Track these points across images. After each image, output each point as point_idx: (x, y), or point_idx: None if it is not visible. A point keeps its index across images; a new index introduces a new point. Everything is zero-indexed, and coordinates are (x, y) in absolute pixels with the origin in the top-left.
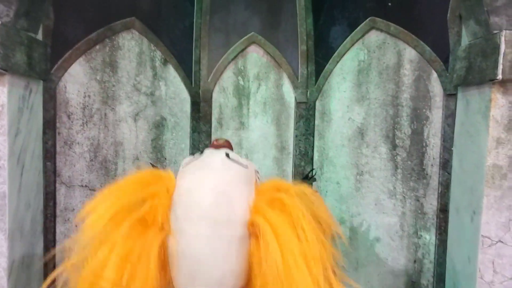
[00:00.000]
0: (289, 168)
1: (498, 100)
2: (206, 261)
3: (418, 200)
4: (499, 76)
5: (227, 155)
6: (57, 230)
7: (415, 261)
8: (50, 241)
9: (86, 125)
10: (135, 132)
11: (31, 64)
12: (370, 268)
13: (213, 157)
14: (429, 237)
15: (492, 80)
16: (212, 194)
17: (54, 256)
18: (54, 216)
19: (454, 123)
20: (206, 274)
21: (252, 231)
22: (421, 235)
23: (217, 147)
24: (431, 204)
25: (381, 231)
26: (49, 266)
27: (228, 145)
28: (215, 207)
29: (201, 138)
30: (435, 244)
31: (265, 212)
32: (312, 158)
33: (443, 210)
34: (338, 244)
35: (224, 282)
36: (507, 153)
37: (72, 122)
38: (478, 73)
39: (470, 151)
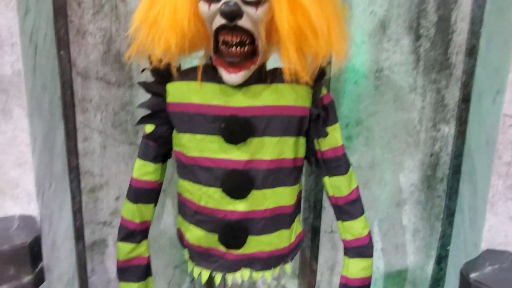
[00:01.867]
0: None
1: None
2: None
3: (439, 93)
4: None
5: None
6: (77, 120)
7: (431, 155)
8: (71, 129)
9: (98, 14)
10: None
11: None
12: (385, 165)
13: None
14: (448, 130)
15: None
16: None
17: (76, 143)
18: (73, 105)
19: (485, 3)
20: None
21: None
22: (440, 128)
23: None
24: (453, 95)
25: (398, 128)
26: (71, 152)
27: None
28: None
29: None
30: (454, 136)
31: None
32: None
33: (465, 100)
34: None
35: None
36: None
37: (83, 10)
38: None
39: (499, 28)
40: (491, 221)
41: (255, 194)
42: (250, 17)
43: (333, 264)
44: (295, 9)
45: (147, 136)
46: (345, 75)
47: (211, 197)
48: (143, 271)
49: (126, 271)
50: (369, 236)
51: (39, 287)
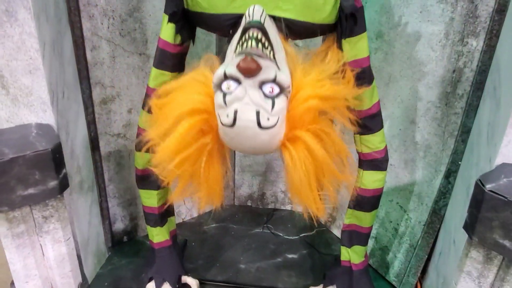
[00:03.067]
0: None
1: None
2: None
3: (472, 2)
4: None
5: (259, 123)
6: (84, 27)
7: (454, 71)
8: (78, 37)
9: None
10: None
11: None
12: (402, 82)
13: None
14: (476, 44)
15: None
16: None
17: (84, 52)
18: (78, 10)
19: None
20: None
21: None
22: (467, 42)
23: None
24: (487, 5)
25: (422, 41)
26: (81, 62)
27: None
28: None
29: None
30: (482, 51)
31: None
32: None
33: (500, 11)
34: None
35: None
36: None
37: None
38: None
39: None
40: (510, 137)
41: None
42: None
43: None
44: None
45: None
46: None
47: None
48: None
49: (145, 179)
50: (385, 150)
51: (63, 192)
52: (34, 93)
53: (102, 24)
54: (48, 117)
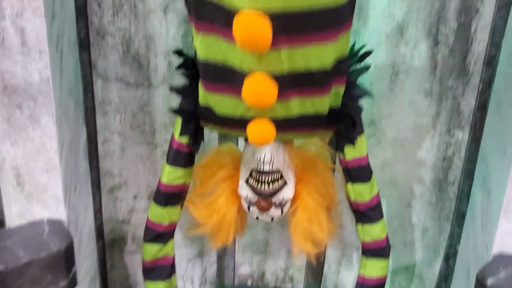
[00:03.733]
0: None
1: None
2: None
3: (455, 99)
4: None
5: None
6: (98, 122)
7: (444, 159)
8: (92, 132)
9: (117, 15)
10: (165, 26)
11: None
12: (397, 167)
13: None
14: (462, 135)
15: None
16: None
17: (96, 146)
18: (94, 108)
19: (508, 15)
20: None
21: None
22: (454, 134)
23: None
24: (469, 102)
25: (412, 132)
26: (93, 155)
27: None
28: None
29: None
30: (468, 142)
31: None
32: None
33: (481, 108)
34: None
35: None
36: None
37: (103, 11)
38: None
39: None
40: (504, 226)
41: None
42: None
43: (340, 256)
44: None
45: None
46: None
47: None
48: (169, 269)
49: (152, 270)
50: (387, 238)
51: None
52: (49, 190)
53: (114, 119)
54: (60, 213)
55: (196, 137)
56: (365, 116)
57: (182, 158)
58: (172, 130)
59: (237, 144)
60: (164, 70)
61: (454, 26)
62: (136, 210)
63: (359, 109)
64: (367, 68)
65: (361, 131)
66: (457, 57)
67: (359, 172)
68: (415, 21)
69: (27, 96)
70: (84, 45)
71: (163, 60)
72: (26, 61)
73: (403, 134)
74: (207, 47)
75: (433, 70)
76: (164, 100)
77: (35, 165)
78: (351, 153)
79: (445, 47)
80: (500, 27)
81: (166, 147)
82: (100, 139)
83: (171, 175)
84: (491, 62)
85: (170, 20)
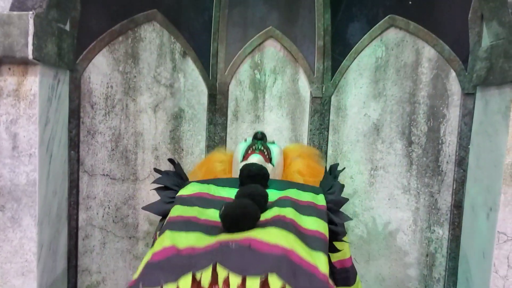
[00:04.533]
0: None
1: None
2: None
3: (432, 196)
4: None
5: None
6: (80, 218)
7: (427, 255)
8: (73, 228)
9: (108, 115)
10: (155, 123)
11: (60, 54)
12: (382, 261)
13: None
14: (442, 232)
15: None
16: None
17: (76, 242)
18: (77, 203)
19: (472, 122)
20: None
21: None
22: (434, 230)
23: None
24: (445, 200)
25: (394, 226)
26: (72, 252)
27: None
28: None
29: (217, 130)
30: (448, 239)
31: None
32: (326, 153)
33: (457, 206)
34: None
35: None
36: None
37: (95, 112)
38: (499, 74)
39: (487, 150)
40: None
41: None
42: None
43: None
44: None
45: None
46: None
47: None
48: None
49: None
50: None
51: None
52: None
53: (97, 214)
54: None
55: None
56: (347, 208)
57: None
58: (156, 222)
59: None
60: (151, 164)
61: (425, 128)
62: None
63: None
64: (346, 199)
65: (343, 234)
66: (430, 157)
67: (344, 275)
68: (389, 122)
69: (11, 198)
70: (74, 144)
71: (150, 155)
72: (15, 164)
73: (385, 228)
74: None
75: (409, 167)
76: (150, 193)
77: (11, 268)
78: (335, 255)
79: (419, 147)
80: (466, 132)
81: (148, 240)
82: (81, 235)
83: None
84: (461, 163)
85: (159, 118)
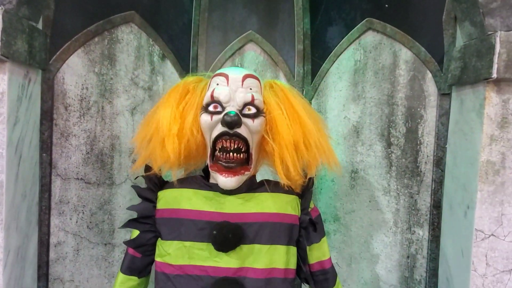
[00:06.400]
0: None
1: (492, 98)
2: None
3: (411, 197)
4: (494, 75)
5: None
6: (52, 223)
7: (408, 257)
8: (44, 234)
9: (83, 117)
10: (132, 126)
11: (31, 52)
12: (363, 264)
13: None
14: (422, 233)
15: (487, 79)
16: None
17: (48, 249)
18: (49, 208)
19: (448, 122)
20: None
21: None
22: (415, 231)
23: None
24: (425, 200)
25: (375, 228)
26: (43, 259)
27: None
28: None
29: None
30: (428, 240)
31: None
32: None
33: (436, 207)
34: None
35: None
36: (500, 150)
37: (69, 113)
38: (473, 72)
39: (463, 148)
40: None
41: None
42: (248, 127)
43: None
44: (296, 124)
45: (129, 242)
46: (322, 172)
47: None
48: None
49: None
50: None
51: None
52: None
53: (71, 219)
54: None
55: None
56: (328, 211)
57: (136, 265)
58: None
59: None
60: (128, 168)
61: (403, 130)
62: None
63: (318, 217)
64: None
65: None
66: (409, 158)
67: (323, 277)
68: (368, 124)
69: None
70: (46, 146)
71: (127, 159)
72: None
73: (366, 231)
74: None
75: (389, 169)
76: (126, 198)
77: None
78: (314, 256)
79: (398, 148)
80: (442, 132)
81: (124, 247)
82: (53, 241)
83: (124, 284)
84: (439, 163)
85: (137, 121)
